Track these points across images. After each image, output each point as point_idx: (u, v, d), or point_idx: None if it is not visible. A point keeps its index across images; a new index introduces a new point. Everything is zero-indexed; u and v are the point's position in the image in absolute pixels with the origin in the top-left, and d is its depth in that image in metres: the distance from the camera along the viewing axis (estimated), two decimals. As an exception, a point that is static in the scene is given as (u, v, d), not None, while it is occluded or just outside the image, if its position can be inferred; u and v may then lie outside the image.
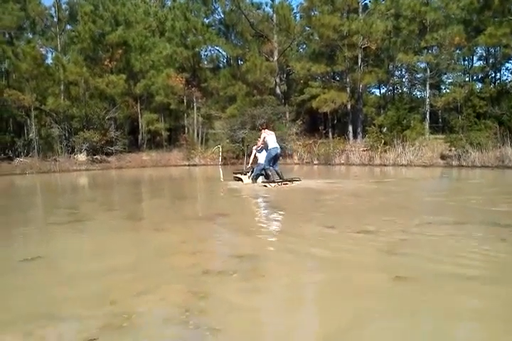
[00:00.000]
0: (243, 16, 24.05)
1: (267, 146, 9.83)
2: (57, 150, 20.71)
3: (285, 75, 28.00)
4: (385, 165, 15.36)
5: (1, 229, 5.50)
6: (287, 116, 21.79)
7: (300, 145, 19.11)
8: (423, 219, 5.01)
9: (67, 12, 23.55)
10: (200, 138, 23.88)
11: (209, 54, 27.95)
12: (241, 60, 26.71)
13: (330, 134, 23.99)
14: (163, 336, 2.17)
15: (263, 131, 10.14)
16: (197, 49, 24.90)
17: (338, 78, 26.26)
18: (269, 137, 9.93)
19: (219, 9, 25.15)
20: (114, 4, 23.29)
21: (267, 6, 24.97)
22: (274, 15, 23.69)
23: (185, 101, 24.67)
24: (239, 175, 11.01)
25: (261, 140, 10.02)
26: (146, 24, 25.83)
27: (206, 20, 25.25)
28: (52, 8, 23.23)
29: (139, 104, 24.26)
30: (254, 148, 10.41)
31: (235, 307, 2.46)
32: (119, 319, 2.30)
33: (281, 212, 6.08)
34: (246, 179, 10.57)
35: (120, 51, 22.90)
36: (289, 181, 9.88)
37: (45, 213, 7.13)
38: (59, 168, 18.32)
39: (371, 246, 3.78)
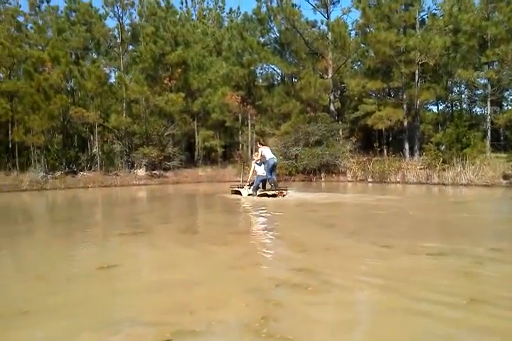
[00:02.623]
0: (298, 35, 24.34)
1: (265, 159, 11.05)
2: (118, 165, 21.60)
3: (339, 92, 27.97)
4: (443, 184, 14.89)
5: (75, 238, 5.84)
6: (341, 133, 21.69)
7: (354, 162, 18.93)
8: (492, 244, 4.85)
9: (129, 33, 24.71)
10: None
11: (264, 72, 28.47)
12: (295, 78, 26.97)
13: (385, 151, 23.60)
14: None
15: (260, 146, 11.57)
16: (252, 67, 25.40)
17: (393, 95, 25.90)
18: (266, 150, 11.24)
19: (274, 28, 25.57)
20: (174, 25, 24.30)
21: (322, 23, 25.21)
22: (329, 33, 23.84)
23: (240, 118, 25.15)
24: (236, 189, 12.08)
25: (259, 154, 11.25)
26: (204, 44, 26.77)
27: (262, 39, 25.72)
28: (116, 30, 24.51)
29: (195, 121, 25.00)
30: (253, 161, 11.54)
31: (308, 319, 2.52)
32: (195, 325, 2.41)
33: (333, 229, 6.06)
34: (245, 192, 11.60)
35: (179, 70, 23.77)
36: (284, 190, 11.03)
37: (111, 225, 7.48)
38: (120, 182, 19.10)
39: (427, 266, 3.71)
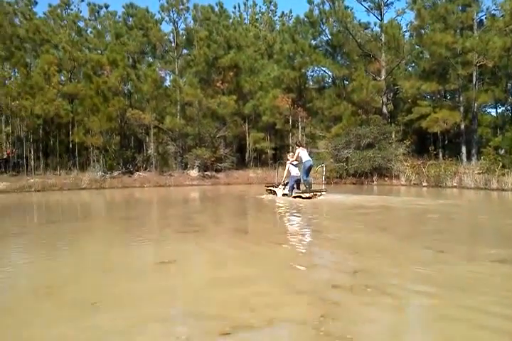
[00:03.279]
0: (350, 37, 24.12)
1: (301, 161, 11.29)
2: (172, 166, 22.25)
3: (392, 94, 27.42)
4: (503, 190, 14.28)
5: (134, 235, 6.11)
6: (393, 135, 21.28)
7: (408, 166, 18.50)
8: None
9: (184, 37, 25.38)
10: (304, 157, 24.12)
11: (315, 74, 28.39)
12: (347, 80, 26.73)
13: (440, 155, 22.91)
14: (291, 337, 2.32)
15: (298, 148, 11.74)
16: (303, 70, 25.44)
17: (450, 97, 25.13)
18: (303, 152, 11.43)
19: (326, 31, 25.46)
20: (227, 29, 24.75)
21: (375, 25, 24.89)
22: (383, 35, 23.48)
23: (290, 120, 25.22)
24: (271, 188, 12.55)
25: (295, 155, 11.47)
26: (256, 47, 27.07)
27: (313, 42, 25.71)
28: (171, 34, 25.25)
29: (246, 124, 25.33)
30: (289, 162, 11.64)
31: (366, 320, 2.55)
32: (254, 321, 2.50)
33: (385, 232, 5.98)
34: (279, 192, 11.95)
35: (231, 73, 24.18)
36: (318, 192, 11.23)
37: (166, 223, 7.74)
38: (173, 182, 19.67)
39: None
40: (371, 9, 23.68)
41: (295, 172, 11.44)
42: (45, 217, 9.75)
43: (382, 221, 7.31)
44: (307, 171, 11.41)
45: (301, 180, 11.55)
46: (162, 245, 5.24)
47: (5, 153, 22.03)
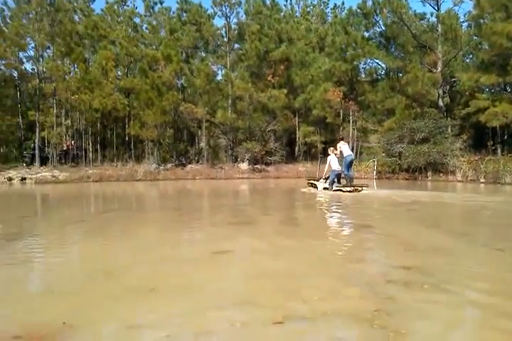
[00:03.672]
0: (405, 28, 23.47)
1: (343, 155, 11.74)
2: (223, 159, 22.62)
3: (448, 87, 26.47)
4: None
5: (187, 225, 6.33)
6: (449, 130, 20.57)
7: (464, 161, 17.86)
8: None
9: (235, 32, 25.58)
10: (355, 151, 23.83)
11: (367, 67, 27.86)
12: (400, 72, 26.04)
13: (498, 151, 21.94)
14: (344, 329, 2.37)
15: (340, 141, 12.21)
16: (355, 62, 25.03)
17: (510, 90, 23.92)
18: (344, 147, 11.92)
19: (380, 22, 24.89)
20: (278, 23, 24.71)
21: (431, 16, 24.06)
22: (439, 25, 22.69)
23: (341, 114, 24.91)
24: (312, 182, 12.83)
25: (338, 149, 11.85)
26: (307, 40, 26.84)
27: (366, 34, 25.22)
28: (223, 29, 25.51)
29: (297, 117, 25.25)
30: (329, 157, 11.81)
31: (420, 316, 2.54)
32: (306, 312, 2.56)
33: (438, 229, 5.84)
34: (320, 185, 12.15)
35: (282, 67, 24.16)
36: (359, 187, 11.28)
37: (219, 214, 7.91)
38: (224, 175, 19.98)
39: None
40: (427, -1, 22.91)
41: (336, 166, 11.58)
42: (103, 206, 10.24)
43: (436, 217, 7.15)
44: (348, 165, 11.77)
45: (342, 174, 11.82)
46: (216, 235, 5.39)
47: (64, 145, 23.08)
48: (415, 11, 24.68)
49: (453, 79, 25.09)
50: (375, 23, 25.02)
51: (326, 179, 11.97)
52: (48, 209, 9.59)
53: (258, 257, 4.13)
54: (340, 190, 11.26)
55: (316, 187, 12.40)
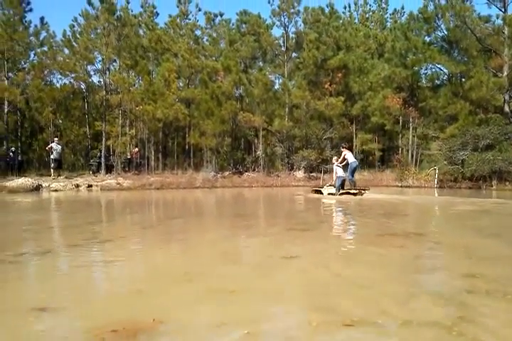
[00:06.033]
0: (469, 31, 22.71)
1: (348, 162, 12.87)
2: (279, 167, 22.77)
3: (515, 92, 25.26)
4: None
5: (249, 230, 6.49)
6: (516, 136, 19.60)
7: (533, 169, 16.97)
8: None
9: (293, 41, 25.76)
10: (415, 159, 23.26)
11: (428, 72, 27.14)
12: (463, 77, 25.17)
13: None
14: (420, 336, 2.40)
15: (344, 150, 13.35)
16: (416, 68, 24.49)
17: None
18: (349, 154, 13.12)
19: (442, 26, 24.22)
20: (336, 30, 24.67)
21: (497, 18, 23.09)
22: (506, 28, 21.75)
23: (400, 121, 24.42)
24: (317, 188, 13.94)
25: (342, 157, 13.06)
26: (366, 47, 26.59)
27: (427, 38, 24.62)
28: (281, 39, 25.78)
29: (354, 125, 25.00)
30: (335, 164, 12.98)
31: (506, 326, 2.51)
32: (378, 317, 2.60)
33: (500, 239, 5.61)
34: (325, 191, 13.17)
35: (340, 74, 24.06)
36: (363, 190, 12.45)
37: (278, 220, 8.04)
38: (280, 183, 20.10)
39: None
40: (493, 1, 22.06)
41: (341, 173, 12.83)
42: (168, 212, 10.64)
43: (496, 226, 6.93)
44: (353, 171, 13.03)
45: (347, 180, 13.00)
46: (280, 240, 5.52)
47: (128, 153, 24.06)
48: (479, 13, 23.74)
49: (520, 84, 23.95)
50: (436, 27, 24.39)
51: (331, 185, 13.26)
52: (117, 215, 10.07)
53: (326, 262, 4.20)
54: (348, 193, 12.41)
55: (321, 193, 13.37)
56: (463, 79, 25.10)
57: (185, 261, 4.43)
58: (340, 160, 13.09)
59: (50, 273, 3.96)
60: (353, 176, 12.97)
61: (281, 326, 2.52)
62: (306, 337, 2.36)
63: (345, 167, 13.17)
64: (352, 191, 12.42)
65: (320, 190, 13.58)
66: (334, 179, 13.03)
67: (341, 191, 12.65)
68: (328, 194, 12.97)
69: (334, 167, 13.00)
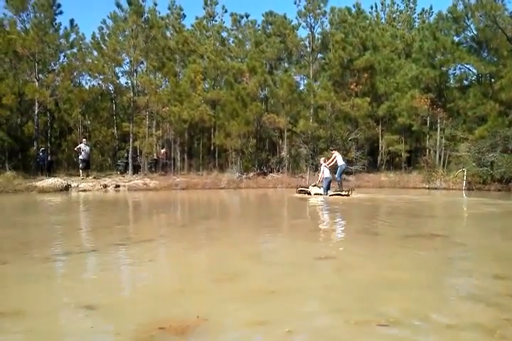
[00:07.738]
0: (499, 31, 22.25)
1: (338, 164, 13.79)
2: (303, 168, 22.68)
3: (549, 92, 24.58)
4: None
5: (283, 230, 6.52)
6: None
7: None
8: None
9: (319, 41, 25.63)
10: (442, 160, 22.88)
11: (457, 73, 26.66)
12: (493, 78, 24.64)
13: None
14: (457, 338, 2.38)
15: (334, 152, 14.30)
16: (444, 68, 24.10)
17: None
18: (339, 156, 13.91)
19: (472, 26, 23.78)
20: (363, 30, 24.48)
21: (530, 17, 22.56)
22: (540, 27, 21.25)
23: (428, 122, 24.05)
24: (304, 189, 14.50)
25: (331, 159, 13.81)
26: (393, 47, 26.30)
27: (456, 38, 24.19)
28: (307, 39, 25.68)
29: (380, 126, 24.74)
30: (324, 165, 13.53)
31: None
32: (411, 318, 2.60)
33: None
34: (313, 191, 13.76)
35: (366, 75, 23.87)
36: (348, 191, 13.16)
37: (304, 219, 8.05)
38: (304, 184, 19.99)
39: None
40: (525, -1, 21.58)
41: (328, 174, 13.43)
42: (198, 212, 10.74)
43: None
44: (341, 172, 14.04)
45: (335, 180, 13.85)
46: (309, 241, 5.53)
47: (154, 154, 24.32)
48: (511, 12, 23.27)
49: (554, 84, 23.30)
50: (466, 27, 23.96)
51: (315, 186, 13.98)
52: (147, 214, 10.18)
53: (361, 264, 4.19)
54: (339, 194, 13.03)
55: (308, 193, 13.92)
56: (492, 80, 24.60)
57: (225, 261, 4.50)
58: (329, 161, 13.80)
59: (94, 271, 4.11)
60: (340, 177, 13.95)
61: (320, 324, 2.56)
62: (346, 335, 2.37)
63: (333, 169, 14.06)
64: (343, 193, 13.12)
65: (305, 190, 14.27)
66: (320, 179, 13.81)
67: (331, 193, 13.29)
68: (315, 194, 13.59)
69: (322, 168, 13.64)
